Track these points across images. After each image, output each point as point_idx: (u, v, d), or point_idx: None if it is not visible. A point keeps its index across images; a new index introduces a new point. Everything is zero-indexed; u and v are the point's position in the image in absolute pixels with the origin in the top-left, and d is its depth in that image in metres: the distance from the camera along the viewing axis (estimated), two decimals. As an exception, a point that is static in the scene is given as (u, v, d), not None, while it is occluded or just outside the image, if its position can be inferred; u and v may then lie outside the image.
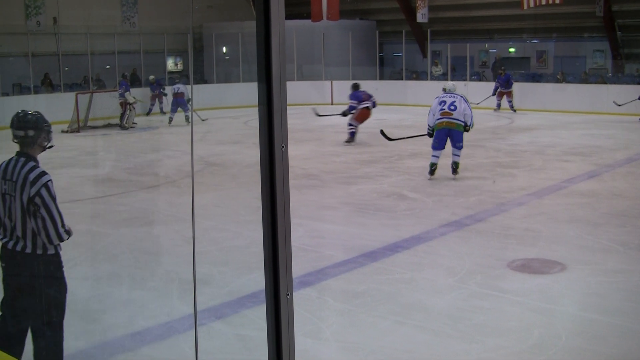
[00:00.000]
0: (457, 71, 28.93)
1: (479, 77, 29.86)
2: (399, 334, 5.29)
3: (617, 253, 7.46)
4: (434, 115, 11.99)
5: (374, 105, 16.66)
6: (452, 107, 11.86)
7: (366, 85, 21.75)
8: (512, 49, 31.87)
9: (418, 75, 30.32)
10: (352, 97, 16.64)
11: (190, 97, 20.36)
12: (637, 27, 28.34)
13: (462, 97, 12.15)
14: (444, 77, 29.26)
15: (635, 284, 6.46)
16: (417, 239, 7.89)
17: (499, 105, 24.88)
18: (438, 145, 11.82)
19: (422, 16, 28.97)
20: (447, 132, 11.82)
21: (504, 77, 24.87)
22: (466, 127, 11.84)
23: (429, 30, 29.30)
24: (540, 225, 8.64)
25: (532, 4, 26.20)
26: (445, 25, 30.83)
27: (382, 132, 13.51)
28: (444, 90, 12.42)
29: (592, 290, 6.34)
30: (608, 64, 29.37)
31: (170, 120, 20.70)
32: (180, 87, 20.82)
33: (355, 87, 17.08)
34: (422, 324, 5.49)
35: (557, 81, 27.62)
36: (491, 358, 4.91)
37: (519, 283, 6.46)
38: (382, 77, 30.78)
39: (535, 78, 27.81)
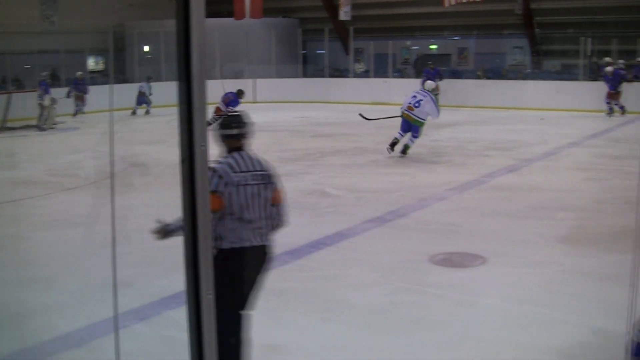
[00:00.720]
0: (380, 68, 29.10)
1: (401, 74, 30.10)
2: (324, 331, 5.31)
3: (535, 245, 7.62)
4: (405, 104, 13.85)
5: None
6: (417, 105, 13.69)
7: (289, 83, 21.84)
8: (433, 46, 32.25)
9: (341, 72, 30.42)
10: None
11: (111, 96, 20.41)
12: (555, 25, 28.98)
13: (431, 97, 13.91)
14: (366, 74, 29.44)
15: (553, 275, 6.60)
16: (340, 235, 7.92)
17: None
18: (401, 129, 13.79)
19: (344, 14, 29.09)
20: (408, 123, 13.65)
21: (433, 71, 25.12)
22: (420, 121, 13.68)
23: (351, 28, 29.44)
24: (461, 220, 8.78)
25: (453, 2, 26.57)
26: (368, 23, 31.00)
27: (360, 114, 15.57)
28: (423, 87, 14.42)
29: (513, 282, 6.46)
30: (527, 60, 29.96)
31: (134, 112, 23.67)
32: (144, 86, 23.81)
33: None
34: (346, 320, 5.51)
35: (478, 77, 28.07)
36: (416, 352, 4.96)
37: (441, 277, 6.55)
38: (305, 75, 30.81)
39: (457, 74, 28.16)
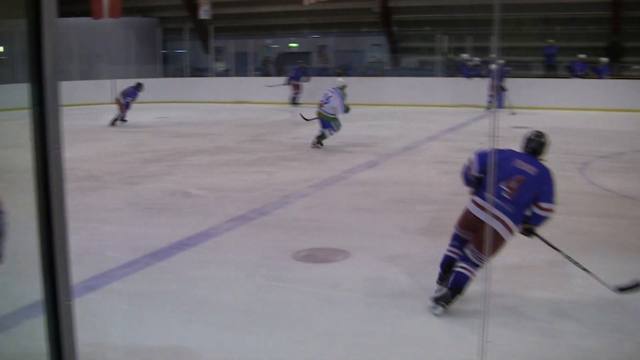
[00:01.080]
0: (240, 67, 29.08)
1: (262, 73, 30.17)
2: (189, 332, 5.26)
3: (397, 238, 7.78)
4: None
5: None
6: (326, 101, 14.71)
7: (148, 83, 21.51)
8: (293, 45, 32.47)
9: (201, 72, 30.23)
10: None
11: None
12: (413, 22, 29.73)
13: (339, 94, 14.66)
14: (226, 73, 29.36)
15: (415, 267, 6.75)
16: (203, 235, 7.86)
17: (293, 99, 25.34)
18: (321, 126, 14.84)
19: (204, 13, 28.90)
20: (321, 119, 14.74)
21: (302, 70, 25.27)
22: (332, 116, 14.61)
23: (211, 27, 29.28)
24: (324, 216, 8.88)
25: (312, 0, 26.79)
26: (228, 21, 30.93)
27: (300, 114, 16.41)
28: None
29: (376, 275, 6.57)
30: (386, 57, 30.57)
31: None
32: None
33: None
34: (211, 320, 5.47)
35: (337, 75, 28.40)
36: (282, 349, 4.97)
37: (304, 273, 6.59)
38: (165, 75, 30.44)
39: (317, 72, 28.45)
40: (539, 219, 5.53)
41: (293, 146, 14.99)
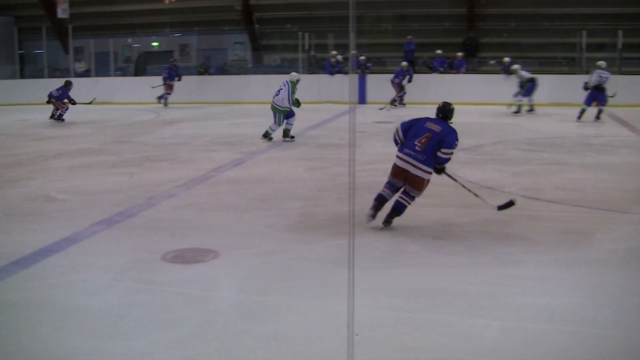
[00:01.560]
0: (101, 67, 28.53)
1: (123, 73, 29.70)
2: (59, 340, 5.15)
3: (265, 235, 7.85)
4: None
5: None
6: (277, 94, 15.38)
7: (5, 85, 20.82)
8: (155, 43, 32.10)
9: (61, 72, 29.47)
10: None
11: None
12: (274, 20, 29.91)
13: (288, 87, 15.30)
14: (87, 73, 28.76)
15: (284, 263, 6.84)
16: (68, 240, 7.68)
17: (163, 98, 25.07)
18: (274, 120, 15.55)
19: (62, 11, 28.21)
20: (274, 113, 15.43)
21: (174, 69, 24.99)
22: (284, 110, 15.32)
23: (70, 26, 28.59)
24: (191, 216, 8.84)
25: (173, -2, 26.62)
26: (87, 20, 30.29)
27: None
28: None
29: (246, 273, 6.61)
30: (248, 55, 30.62)
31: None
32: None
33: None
34: (81, 327, 5.38)
35: (200, 74, 28.30)
36: (155, 352, 4.93)
37: (174, 274, 6.55)
38: (22, 76, 29.53)
39: (182, 71, 28.29)
40: (442, 160, 7.85)
41: (157, 146, 14.83)
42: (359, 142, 14.96)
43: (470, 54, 27.45)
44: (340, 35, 27.73)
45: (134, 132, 17.75)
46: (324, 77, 25.93)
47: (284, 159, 13.32)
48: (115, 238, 7.86)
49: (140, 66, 29.65)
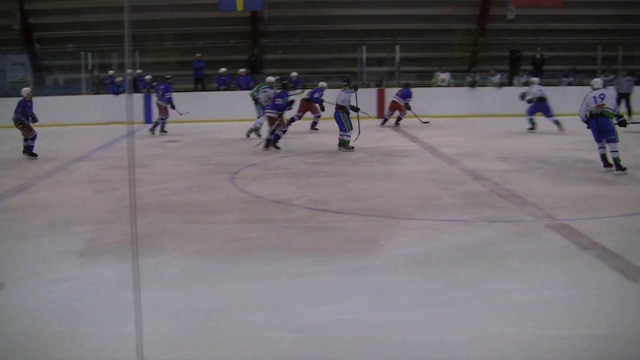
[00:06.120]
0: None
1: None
2: None
3: (54, 262, 7.59)
4: None
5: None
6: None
7: None
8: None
9: None
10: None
11: None
12: (55, 40, 29.06)
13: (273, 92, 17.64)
14: None
15: (76, 289, 6.67)
16: None
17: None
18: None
19: None
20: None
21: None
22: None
23: None
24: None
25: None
26: None
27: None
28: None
29: (38, 303, 6.37)
30: (29, 76, 29.55)
31: None
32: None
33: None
34: None
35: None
36: None
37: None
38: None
39: None
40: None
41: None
42: (147, 162, 14.82)
43: (255, 71, 27.89)
44: (124, 55, 27.34)
45: None
46: (109, 97, 25.46)
47: (69, 182, 12.95)
48: None
49: None
